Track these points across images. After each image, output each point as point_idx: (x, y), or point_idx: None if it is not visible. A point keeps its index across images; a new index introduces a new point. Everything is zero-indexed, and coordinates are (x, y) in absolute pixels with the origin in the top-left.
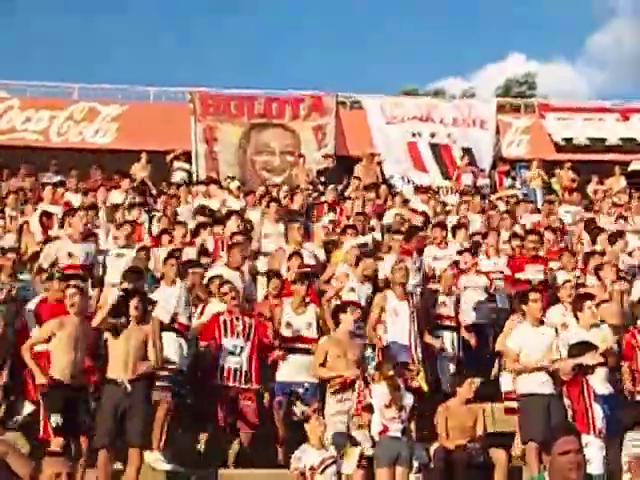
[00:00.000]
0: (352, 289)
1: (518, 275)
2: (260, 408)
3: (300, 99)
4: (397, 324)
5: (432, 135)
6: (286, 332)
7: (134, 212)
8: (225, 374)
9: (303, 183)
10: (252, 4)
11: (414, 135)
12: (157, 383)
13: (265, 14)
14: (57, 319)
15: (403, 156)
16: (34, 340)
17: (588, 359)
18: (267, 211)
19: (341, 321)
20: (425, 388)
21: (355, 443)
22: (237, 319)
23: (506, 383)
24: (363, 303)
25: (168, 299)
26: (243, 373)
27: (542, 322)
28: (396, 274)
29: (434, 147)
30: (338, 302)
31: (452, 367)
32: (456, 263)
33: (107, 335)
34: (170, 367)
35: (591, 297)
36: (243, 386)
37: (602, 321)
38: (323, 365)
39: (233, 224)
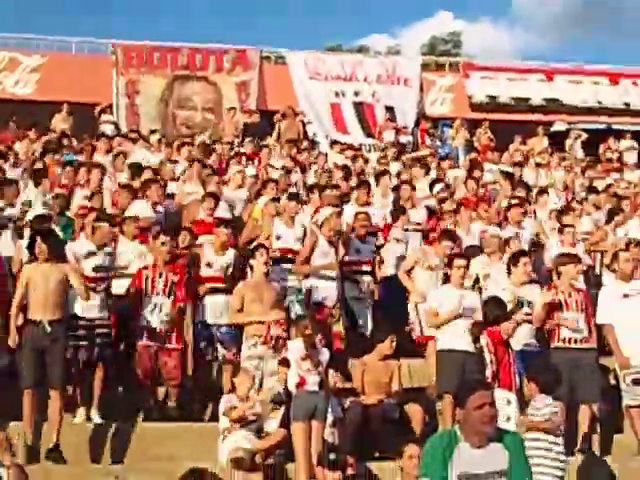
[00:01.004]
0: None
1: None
2: (183, 364)
3: (224, 51)
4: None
5: (356, 94)
6: (206, 272)
7: (49, 158)
8: (146, 332)
9: (229, 137)
10: None
11: (337, 95)
12: (70, 335)
13: None
14: None
15: (326, 117)
16: None
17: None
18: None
19: (254, 266)
20: (342, 333)
21: (280, 402)
22: (160, 275)
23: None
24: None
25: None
26: (165, 332)
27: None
28: (328, 224)
29: (357, 106)
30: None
31: (369, 313)
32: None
33: (27, 277)
34: (81, 322)
35: (526, 254)
36: (164, 346)
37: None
38: (241, 310)
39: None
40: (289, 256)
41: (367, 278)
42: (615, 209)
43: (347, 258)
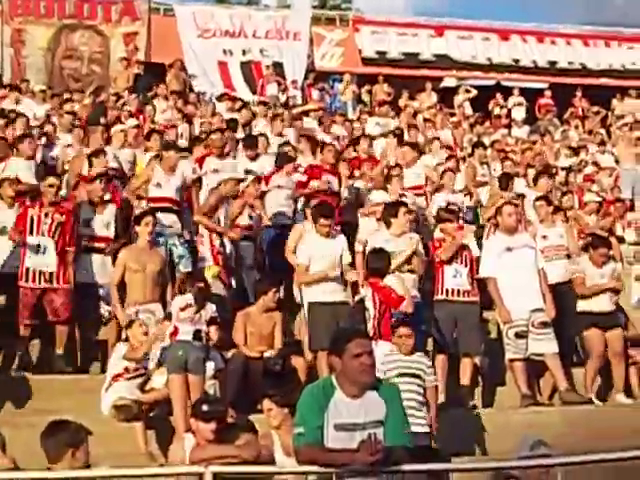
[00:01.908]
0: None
1: (313, 183)
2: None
3: (112, 2)
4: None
5: (244, 52)
6: (84, 231)
7: None
8: (27, 274)
9: (120, 89)
10: None
11: (225, 53)
12: None
13: None
14: None
15: (212, 74)
16: None
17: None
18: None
19: (138, 233)
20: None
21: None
22: (46, 215)
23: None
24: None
25: None
26: (50, 274)
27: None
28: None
29: (244, 65)
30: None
31: (255, 275)
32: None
33: None
34: None
35: (405, 204)
36: (48, 286)
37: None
38: (122, 280)
39: (20, 125)
40: (168, 205)
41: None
42: (509, 175)
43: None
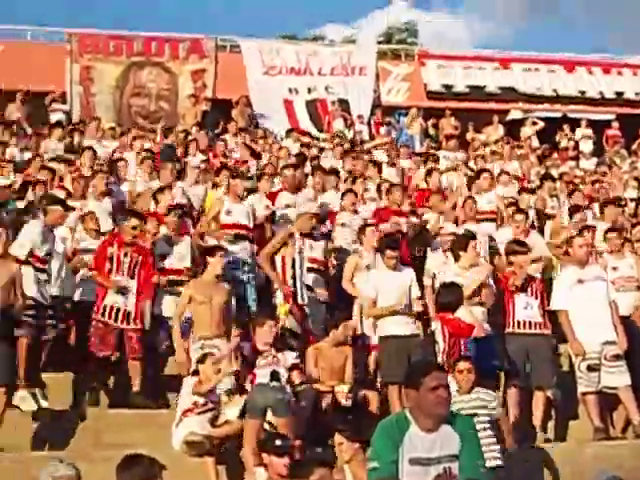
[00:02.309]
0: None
1: (382, 226)
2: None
3: (179, 40)
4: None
5: (309, 90)
6: (159, 264)
7: None
8: (107, 312)
9: (188, 125)
10: None
11: (291, 92)
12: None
13: None
14: None
15: (278, 112)
16: None
17: None
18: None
19: (209, 264)
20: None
21: (242, 391)
22: (125, 255)
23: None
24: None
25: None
26: (126, 313)
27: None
28: (303, 222)
29: (310, 103)
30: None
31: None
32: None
33: None
34: (29, 302)
35: (475, 237)
36: (125, 326)
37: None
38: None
39: (86, 160)
40: (240, 232)
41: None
42: (579, 207)
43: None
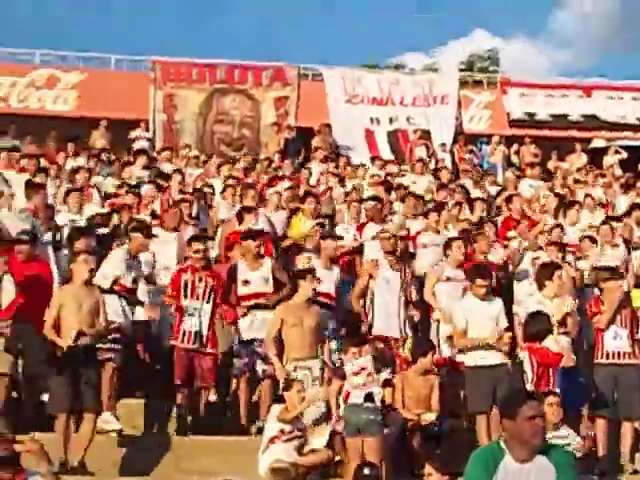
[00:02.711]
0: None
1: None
2: (217, 371)
3: (262, 68)
4: (387, 294)
5: (391, 120)
6: (243, 290)
7: (84, 176)
8: (183, 336)
9: (270, 153)
10: None
11: (372, 122)
12: (101, 345)
13: None
14: None
15: (359, 143)
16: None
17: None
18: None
19: (300, 287)
20: (410, 358)
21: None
22: (200, 280)
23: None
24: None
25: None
26: (201, 336)
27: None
28: (384, 242)
29: (391, 134)
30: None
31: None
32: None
33: (60, 300)
34: (113, 328)
35: (560, 267)
36: (201, 349)
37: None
38: (280, 332)
39: (175, 184)
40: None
41: None
42: None
43: None
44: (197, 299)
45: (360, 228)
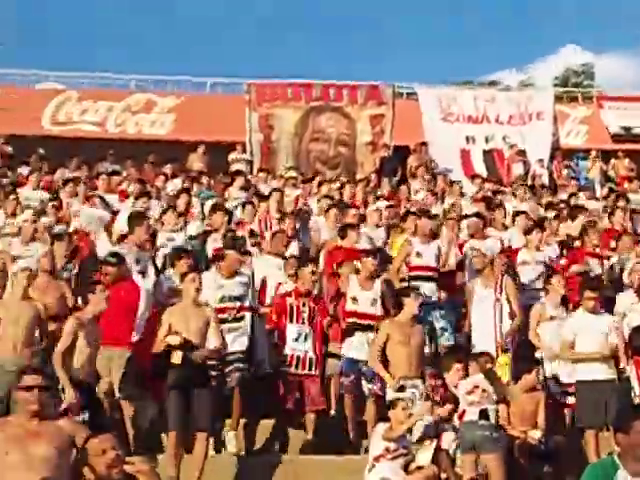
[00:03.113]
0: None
1: (573, 268)
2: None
3: (357, 86)
4: (481, 311)
5: (487, 140)
6: (351, 307)
7: (185, 198)
8: (289, 360)
9: (366, 173)
10: None
11: (468, 140)
12: (227, 368)
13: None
14: None
15: (454, 162)
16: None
17: None
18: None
19: (405, 305)
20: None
21: (430, 435)
22: (304, 304)
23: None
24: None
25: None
26: (307, 360)
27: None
28: (475, 260)
29: (487, 154)
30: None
31: None
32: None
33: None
34: (235, 350)
35: None
36: (307, 372)
37: None
38: (384, 349)
39: (273, 204)
40: (429, 273)
41: None
42: None
43: None
44: (303, 323)
45: (461, 245)
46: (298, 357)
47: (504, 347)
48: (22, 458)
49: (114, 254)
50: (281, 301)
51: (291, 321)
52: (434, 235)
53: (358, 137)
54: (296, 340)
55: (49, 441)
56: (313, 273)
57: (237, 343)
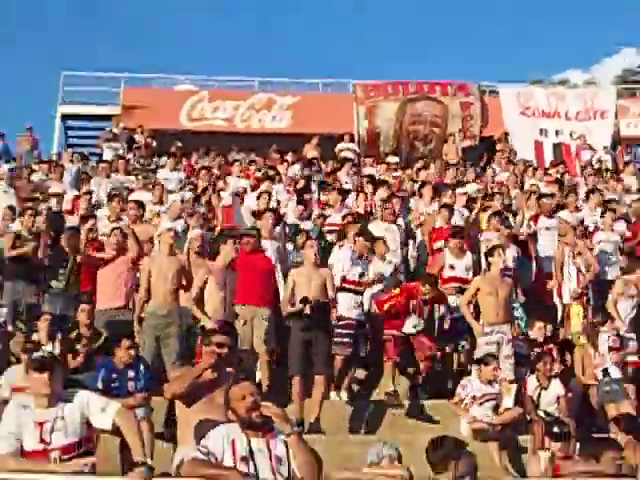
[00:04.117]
0: None
1: None
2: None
3: (448, 83)
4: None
5: (557, 133)
6: (449, 273)
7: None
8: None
9: (454, 159)
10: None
11: (541, 133)
12: (335, 339)
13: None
14: None
15: (530, 153)
16: None
17: None
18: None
19: (492, 263)
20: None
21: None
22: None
23: None
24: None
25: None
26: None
27: None
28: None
29: (556, 147)
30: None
31: None
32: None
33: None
34: (344, 323)
35: None
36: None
37: None
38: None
39: (383, 192)
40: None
41: None
42: None
43: None
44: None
45: (534, 218)
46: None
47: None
48: None
49: (254, 227)
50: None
51: None
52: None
53: (450, 120)
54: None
55: None
56: None
57: (356, 312)
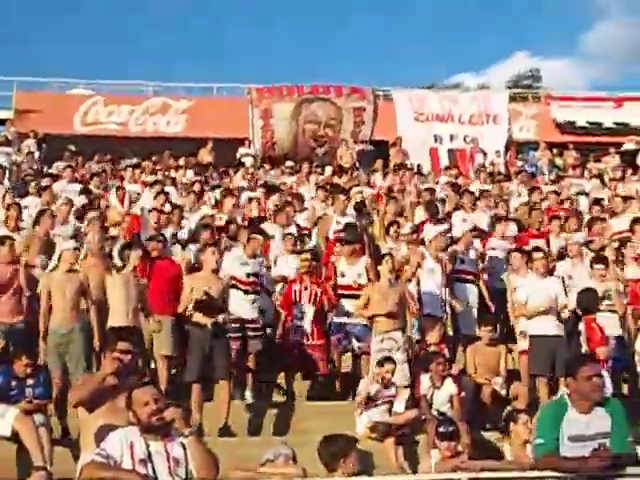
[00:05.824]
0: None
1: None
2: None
3: (342, 86)
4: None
5: (451, 138)
6: (341, 281)
7: (197, 186)
8: (294, 332)
9: (348, 164)
10: None
11: (436, 139)
12: (231, 334)
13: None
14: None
15: (425, 160)
16: None
17: None
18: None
19: (380, 272)
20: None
21: (408, 384)
22: (305, 288)
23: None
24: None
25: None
26: (308, 332)
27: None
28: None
29: (450, 153)
30: None
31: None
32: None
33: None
34: (235, 318)
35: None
36: (308, 342)
37: None
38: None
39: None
40: None
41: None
42: None
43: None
44: (304, 304)
45: (421, 226)
46: (301, 329)
47: None
48: None
49: (161, 234)
50: (289, 287)
51: (295, 303)
52: None
53: (344, 122)
54: (299, 318)
55: None
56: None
57: (255, 312)
